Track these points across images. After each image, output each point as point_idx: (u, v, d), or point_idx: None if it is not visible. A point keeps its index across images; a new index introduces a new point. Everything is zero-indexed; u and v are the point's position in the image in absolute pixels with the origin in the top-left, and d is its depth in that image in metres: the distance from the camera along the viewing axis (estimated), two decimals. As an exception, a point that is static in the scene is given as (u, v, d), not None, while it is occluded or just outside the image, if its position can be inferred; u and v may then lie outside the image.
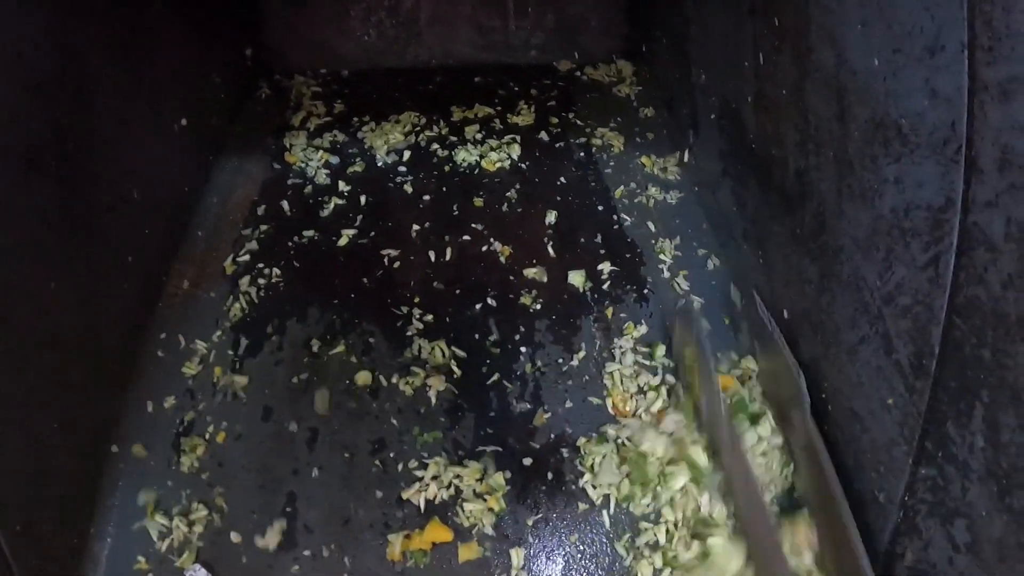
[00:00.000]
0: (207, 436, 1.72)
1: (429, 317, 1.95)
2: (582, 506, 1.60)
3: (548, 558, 1.54)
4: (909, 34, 1.14)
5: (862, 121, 1.31)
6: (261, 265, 2.10)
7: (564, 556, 1.54)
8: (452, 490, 1.62)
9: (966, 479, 1.09)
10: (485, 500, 1.59)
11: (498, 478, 1.63)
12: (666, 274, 2.05)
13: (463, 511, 1.58)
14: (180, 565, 1.51)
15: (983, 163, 1.01)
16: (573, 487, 1.63)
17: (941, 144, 1.09)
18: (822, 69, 1.44)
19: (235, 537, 1.56)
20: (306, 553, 1.54)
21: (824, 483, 1.41)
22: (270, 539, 1.54)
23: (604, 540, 1.56)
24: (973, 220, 1.04)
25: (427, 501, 1.59)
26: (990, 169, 0.99)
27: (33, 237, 1.44)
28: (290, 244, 2.17)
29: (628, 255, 2.12)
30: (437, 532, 1.55)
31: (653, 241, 2.15)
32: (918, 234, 1.17)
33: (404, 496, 1.60)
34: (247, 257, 2.13)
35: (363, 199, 2.31)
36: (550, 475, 1.65)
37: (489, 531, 1.56)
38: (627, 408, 1.74)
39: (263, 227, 2.23)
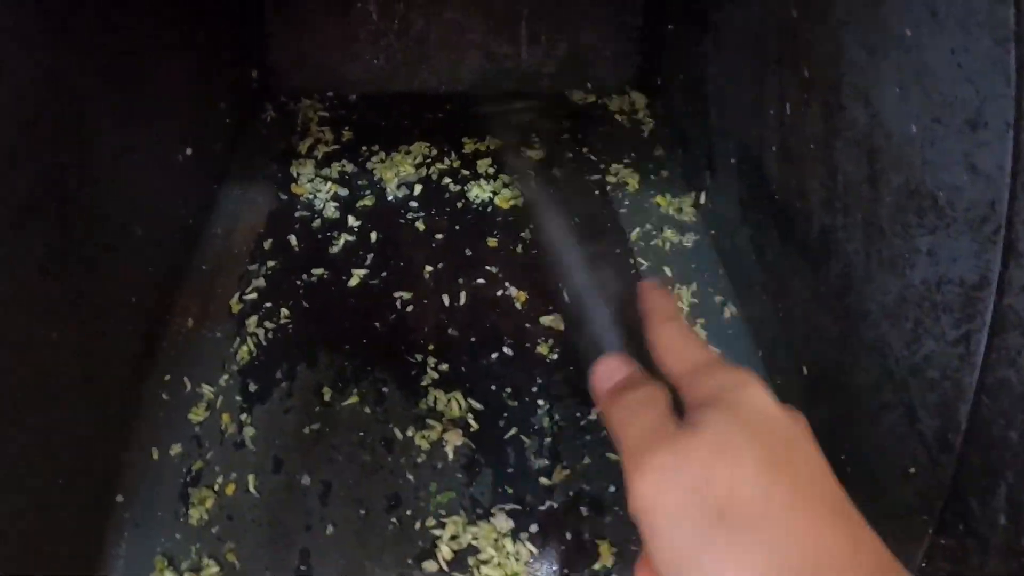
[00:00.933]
0: (216, 487, 1.72)
1: (444, 366, 1.96)
2: (599, 565, 1.62)
3: (568, 620, 1.55)
4: (950, 104, 1.14)
5: (895, 187, 1.31)
6: (269, 304, 2.11)
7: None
8: (470, 550, 1.63)
9: (985, 553, 1.10)
10: (504, 562, 1.60)
11: (518, 544, 1.64)
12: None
13: (479, 573, 1.59)
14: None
15: (1022, 247, 1.02)
16: (591, 547, 1.64)
17: (979, 221, 1.10)
18: (854, 128, 1.45)
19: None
20: (323, 611, 1.54)
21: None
22: None
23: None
24: (1008, 303, 1.05)
25: (446, 562, 1.60)
26: (1029, 253, 1.00)
27: (31, 288, 1.42)
28: (299, 282, 2.17)
29: (646, 302, 2.11)
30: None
31: (670, 287, 2.16)
32: (949, 309, 1.18)
33: (424, 566, 1.61)
34: (254, 295, 2.13)
35: (373, 236, 2.32)
36: (568, 535, 1.66)
37: (506, 594, 1.57)
38: (645, 465, 1.75)
39: (270, 263, 2.23)
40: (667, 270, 2.22)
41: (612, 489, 1.73)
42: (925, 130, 1.22)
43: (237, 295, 2.13)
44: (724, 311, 2.10)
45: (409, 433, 1.82)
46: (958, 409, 1.16)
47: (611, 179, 2.55)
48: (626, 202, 2.46)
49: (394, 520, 1.68)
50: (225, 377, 1.93)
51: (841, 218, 1.52)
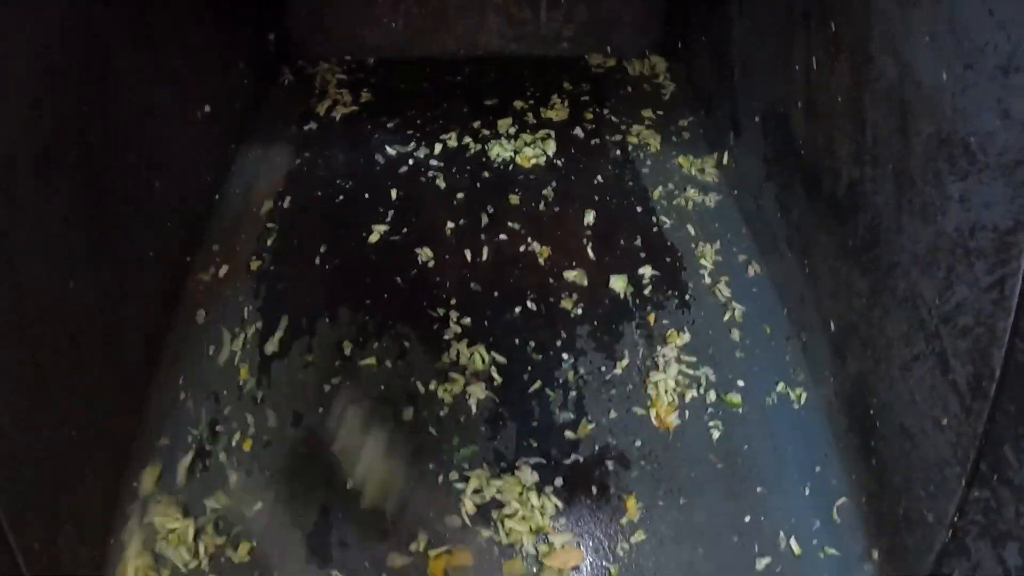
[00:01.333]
0: (234, 442, 1.71)
1: (467, 320, 1.95)
2: (626, 519, 1.61)
3: (595, 574, 1.54)
4: (981, 51, 1.13)
5: (926, 136, 1.30)
6: (288, 261, 2.11)
7: (610, 571, 1.55)
8: (494, 504, 1.61)
9: (1021, 503, 1.09)
10: (528, 516, 1.60)
11: (543, 498, 1.63)
12: (707, 280, 2.06)
13: (503, 527, 1.58)
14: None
15: None
16: (617, 501, 1.63)
17: (1012, 166, 1.08)
18: (883, 80, 1.43)
19: (263, 554, 1.56)
20: (342, 569, 1.53)
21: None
22: None
23: (651, 554, 1.57)
24: None
25: (469, 516, 1.59)
26: (1063, 196, 0.99)
27: (52, 236, 1.41)
28: (318, 239, 2.16)
29: (668, 259, 2.12)
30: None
31: (693, 245, 2.16)
32: (983, 255, 1.16)
33: (446, 520, 1.60)
34: (273, 252, 2.13)
35: (394, 193, 2.31)
36: (595, 489, 1.65)
37: (531, 549, 1.55)
38: (670, 420, 1.75)
39: (289, 220, 2.23)
40: (690, 228, 2.21)
41: (638, 444, 1.72)
42: (956, 78, 1.20)
43: (256, 252, 2.12)
44: (748, 269, 2.09)
45: (432, 387, 1.81)
46: (992, 355, 1.15)
47: (632, 140, 2.54)
48: (648, 162, 2.45)
49: (416, 474, 1.66)
50: (243, 333, 1.92)
51: (870, 170, 1.51)
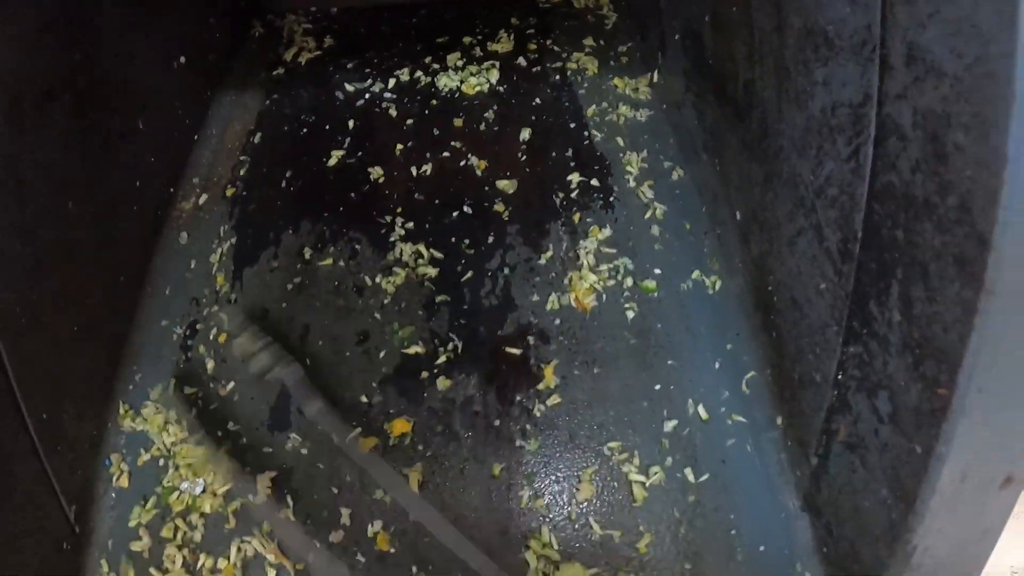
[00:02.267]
0: (211, 336, 1.83)
1: (410, 224, 2.03)
2: (543, 385, 1.71)
3: (512, 432, 1.65)
4: None
5: (796, 30, 1.36)
6: (258, 186, 2.19)
7: (533, 430, 1.65)
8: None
9: (887, 353, 1.15)
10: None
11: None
12: (632, 184, 2.11)
13: (439, 386, 1.71)
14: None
15: (893, 60, 1.06)
16: (536, 370, 1.73)
17: (860, 45, 1.15)
18: (764, -17, 1.49)
19: (234, 426, 1.69)
20: (298, 432, 1.66)
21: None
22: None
23: (564, 415, 1.67)
24: (887, 112, 1.10)
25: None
26: (899, 64, 1.05)
27: (52, 160, 1.55)
28: (284, 167, 2.24)
29: (597, 167, 2.17)
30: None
31: (621, 154, 2.20)
32: (843, 130, 1.23)
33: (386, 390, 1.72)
34: (245, 181, 2.22)
35: (351, 123, 2.37)
36: (517, 361, 1.75)
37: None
38: (587, 302, 1.83)
39: (260, 152, 2.31)
40: (619, 140, 2.25)
41: (557, 322, 1.81)
42: (815, -27, 1.27)
43: (230, 181, 2.22)
44: (672, 174, 2.13)
45: (378, 280, 1.91)
46: (854, 219, 1.21)
47: (572, 65, 2.57)
48: (585, 85, 2.49)
49: (362, 352, 1.78)
50: (219, 248, 2.02)
51: (759, 69, 1.57)
